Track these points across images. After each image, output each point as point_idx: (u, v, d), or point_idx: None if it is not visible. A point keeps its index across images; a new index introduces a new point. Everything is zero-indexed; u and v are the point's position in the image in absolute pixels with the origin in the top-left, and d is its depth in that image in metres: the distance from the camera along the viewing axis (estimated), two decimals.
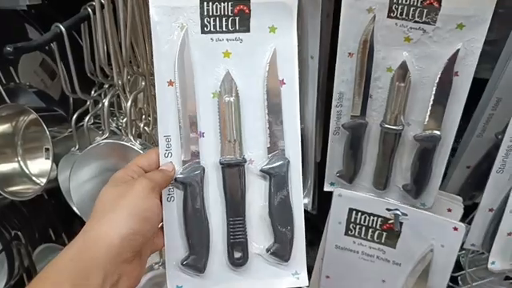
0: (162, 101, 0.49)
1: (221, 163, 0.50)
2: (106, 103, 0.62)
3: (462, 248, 0.69)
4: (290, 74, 0.50)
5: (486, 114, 0.62)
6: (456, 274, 0.75)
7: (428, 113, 0.56)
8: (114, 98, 0.69)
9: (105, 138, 0.61)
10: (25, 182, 0.83)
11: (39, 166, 0.84)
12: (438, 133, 0.58)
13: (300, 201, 0.52)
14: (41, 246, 1.05)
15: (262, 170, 0.51)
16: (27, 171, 0.84)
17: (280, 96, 0.50)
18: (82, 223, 0.85)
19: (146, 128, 0.63)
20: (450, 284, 0.77)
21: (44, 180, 0.78)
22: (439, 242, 0.67)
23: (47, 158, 0.82)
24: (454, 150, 0.70)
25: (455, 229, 0.65)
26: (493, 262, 0.63)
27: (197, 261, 0.51)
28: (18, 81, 0.87)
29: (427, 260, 0.69)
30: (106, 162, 0.62)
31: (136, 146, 0.59)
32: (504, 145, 0.58)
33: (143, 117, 0.64)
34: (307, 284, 0.53)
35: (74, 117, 0.73)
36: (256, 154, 0.51)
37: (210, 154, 0.50)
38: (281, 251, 0.52)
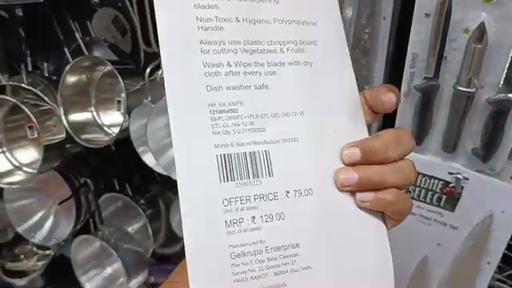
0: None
1: None
2: None
3: None
4: None
5: None
6: None
7: (503, 75, 0.56)
8: None
9: None
10: (97, 132, 0.88)
11: (111, 117, 0.89)
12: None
13: None
14: (105, 194, 1.11)
15: None
16: (99, 121, 0.89)
17: None
18: (147, 174, 0.90)
19: None
20: (506, 252, 0.78)
21: (116, 130, 0.83)
22: (499, 207, 0.68)
23: (118, 110, 0.87)
24: None
25: None
26: None
27: None
28: (93, 35, 0.91)
29: (485, 225, 0.70)
30: None
31: None
32: None
33: None
34: None
35: (148, 69, 0.76)
36: None
37: None
38: None
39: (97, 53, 0.90)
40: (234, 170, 0.32)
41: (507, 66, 0.55)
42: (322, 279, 0.34)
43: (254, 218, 0.32)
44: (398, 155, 0.35)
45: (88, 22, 0.89)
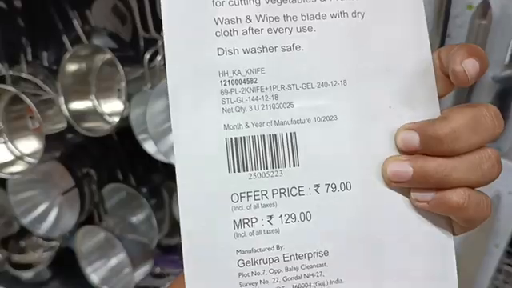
0: None
1: None
2: None
3: None
4: None
5: None
6: None
7: (509, 52, 0.55)
8: None
9: None
10: (97, 120, 0.87)
11: (111, 105, 0.88)
12: None
13: None
14: (109, 185, 1.11)
15: None
16: (100, 110, 0.88)
17: None
18: (150, 164, 0.90)
19: None
20: None
21: (116, 119, 0.82)
22: (506, 188, 0.66)
23: (119, 98, 0.87)
24: None
25: None
26: None
27: None
28: (92, 24, 0.90)
29: (492, 206, 0.69)
30: None
31: None
32: None
33: None
34: None
35: (147, 55, 0.76)
36: None
37: None
38: None
39: (97, 41, 0.89)
40: (248, 157, 0.27)
41: None
42: None
43: (271, 217, 0.26)
44: (474, 144, 0.26)
45: (88, 11, 0.88)
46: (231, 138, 0.26)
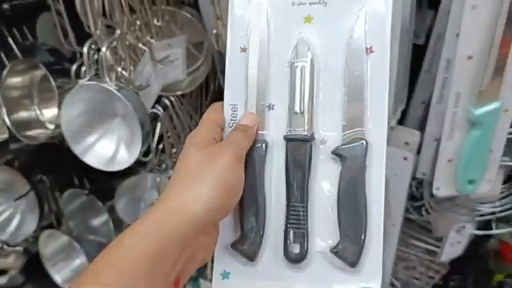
0: (232, 67, 0.45)
1: (285, 138, 0.43)
2: (85, 50, 0.73)
3: (415, 177, 0.75)
4: (381, 40, 0.41)
5: (430, 48, 0.67)
6: (416, 204, 0.81)
7: None
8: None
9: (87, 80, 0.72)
10: (40, 128, 0.95)
11: (52, 114, 0.96)
12: None
13: (380, 195, 0.42)
14: (68, 190, 1.18)
15: (333, 152, 0.42)
16: (42, 118, 0.96)
17: (363, 66, 0.42)
18: (102, 171, 0.96)
19: (123, 72, 0.72)
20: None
21: (52, 126, 0.90)
22: (392, 171, 0.73)
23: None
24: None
25: (405, 158, 0.71)
26: (437, 188, 0.68)
27: (248, 246, 0.44)
28: (31, 39, 0.98)
29: (385, 189, 0.75)
30: (89, 101, 0.74)
31: (112, 86, 0.70)
32: (439, 76, 0.63)
33: (122, 63, 0.73)
34: None
35: (74, 67, 0.83)
36: (330, 134, 0.43)
37: (277, 128, 0.44)
38: (348, 253, 0.42)
39: (39, 56, 0.97)
40: None
41: None
42: None
43: None
44: None
45: (25, 28, 0.96)
46: None
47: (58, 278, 1.24)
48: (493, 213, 0.78)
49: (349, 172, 0.41)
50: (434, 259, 0.94)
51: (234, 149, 0.40)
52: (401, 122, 0.76)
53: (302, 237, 0.43)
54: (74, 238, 1.20)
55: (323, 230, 0.43)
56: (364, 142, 0.41)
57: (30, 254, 1.38)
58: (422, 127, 0.74)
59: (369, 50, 0.42)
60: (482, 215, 0.79)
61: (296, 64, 0.43)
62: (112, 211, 1.16)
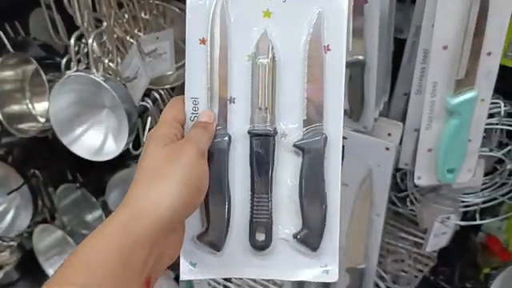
0: (192, 60, 0.44)
1: (249, 132, 0.44)
2: (72, 41, 0.74)
3: (400, 169, 0.76)
4: (338, 39, 0.43)
5: (409, 41, 0.68)
6: (400, 195, 0.82)
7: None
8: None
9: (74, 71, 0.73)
10: (31, 121, 0.96)
11: (44, 107, 0.97)
12: (361, 57, 0.65)
13: (337, 184, 0.44)
14: (61, 185, 1.19)
15: (295, 145, 0.44)
16: (34, 112, 0.97)
17: (322, 63, 0.43)
18: (95, 165, 0.97)
19: (110, 64, 0.73)
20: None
21: (43, 120, 0.91)
22: (375, 162, 0.74)
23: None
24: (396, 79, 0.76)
25: (387, 149, 0.72)
26: (419, 177, 0.69)
27: (214, 237, 0.45)
28: (24, 35, 0.99)
29: (369, 179, 0.77)
30: (78, 93, 0.75)
31: (99, 77, 0.71)
32: (417, 66, 0.64)
33: (110, 55, 0.74)
34: (336, 280, 0.47)
35: (64, 60, 0.84)
36: (291, 128, 0.45)
37: (239, 122, 0.45)
38: (309, 238, 0.45)
39: (31, 51, 0.98)
40: None
41: None
42: None
43: None
44: None
45: (17, 23, 0.98)
46: None
47: (51, 272, 1.25)
48: (476, 204, 0.79)
49: (309, 164, 0.44)
50: (422, 252, 0.95)
51: (195, 145, 0.40)
52: (385, 114, 0.77)
53: (267, 226, 0.45)
54: (68, 232, 1.21)
55: (286, 219, 0.45)
56: (324, 135, 0.44)
57: (24, 249, 1.39)
58: (404, 119, 0.75)
59: (326, 48, 0.43)
60: (466, 206, 0.80)
61: (259, 60, 0.44)
62: (105, 206, 1.17)
